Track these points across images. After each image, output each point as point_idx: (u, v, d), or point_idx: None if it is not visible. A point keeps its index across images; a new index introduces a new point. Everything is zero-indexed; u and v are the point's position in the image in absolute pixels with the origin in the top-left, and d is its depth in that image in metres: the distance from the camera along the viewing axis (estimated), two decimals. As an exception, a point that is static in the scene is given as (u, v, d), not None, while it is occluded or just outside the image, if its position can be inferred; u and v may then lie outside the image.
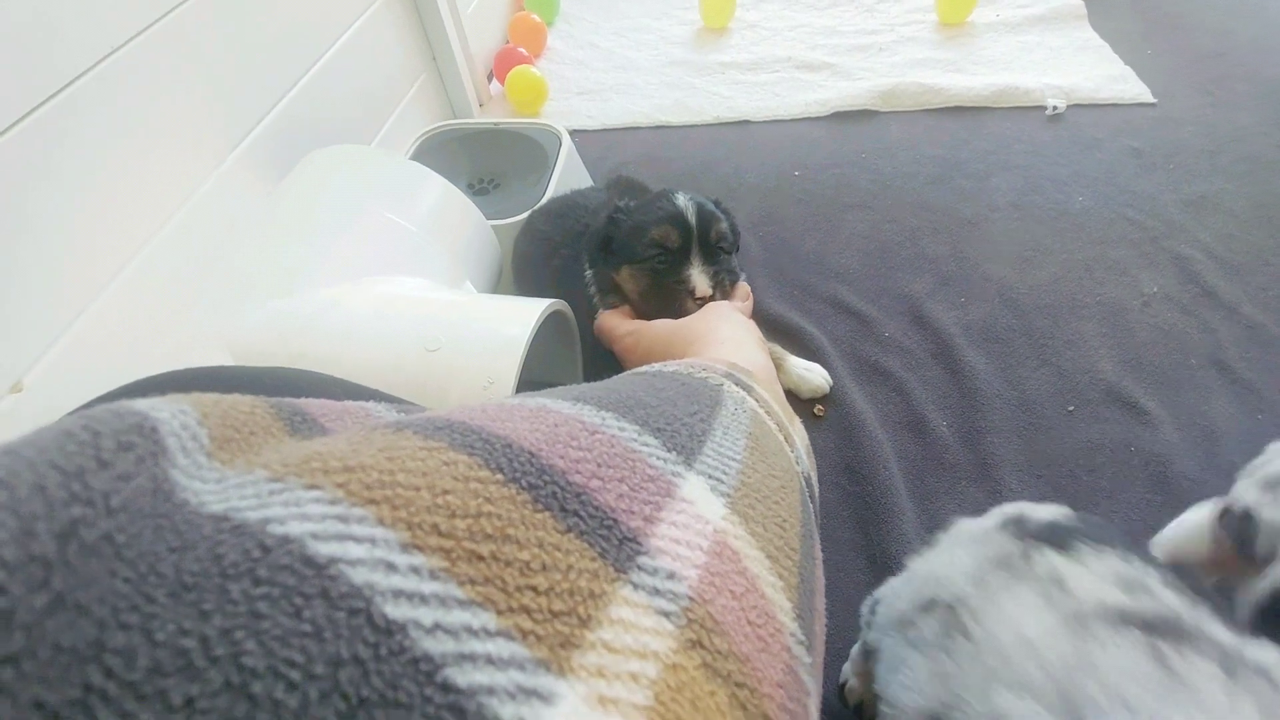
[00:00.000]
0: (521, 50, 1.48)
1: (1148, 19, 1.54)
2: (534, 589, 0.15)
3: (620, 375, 0.29)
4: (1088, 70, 1.38)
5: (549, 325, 0.77)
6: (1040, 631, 0.34)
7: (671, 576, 0.17)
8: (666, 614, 0.16)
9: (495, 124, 1.19)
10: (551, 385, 0.25)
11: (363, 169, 0.85)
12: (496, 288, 0.98)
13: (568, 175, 1.10)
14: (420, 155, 1.14)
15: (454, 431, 0.18)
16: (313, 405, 0.21)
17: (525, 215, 0.99)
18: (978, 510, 0.78)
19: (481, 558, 0.15)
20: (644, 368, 0.30)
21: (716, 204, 0.82)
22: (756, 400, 0.28)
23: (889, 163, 1.23)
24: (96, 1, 0.63)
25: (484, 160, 1.16)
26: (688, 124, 1.38)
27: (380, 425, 0.19)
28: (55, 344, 0.59)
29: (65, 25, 0.60)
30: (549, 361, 0.83)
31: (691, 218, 0.77)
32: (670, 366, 0.29)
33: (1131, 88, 1.34)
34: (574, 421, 0.20)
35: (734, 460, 0.23)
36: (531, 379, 0.76)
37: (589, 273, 0.83)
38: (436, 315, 0.63)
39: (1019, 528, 0.43)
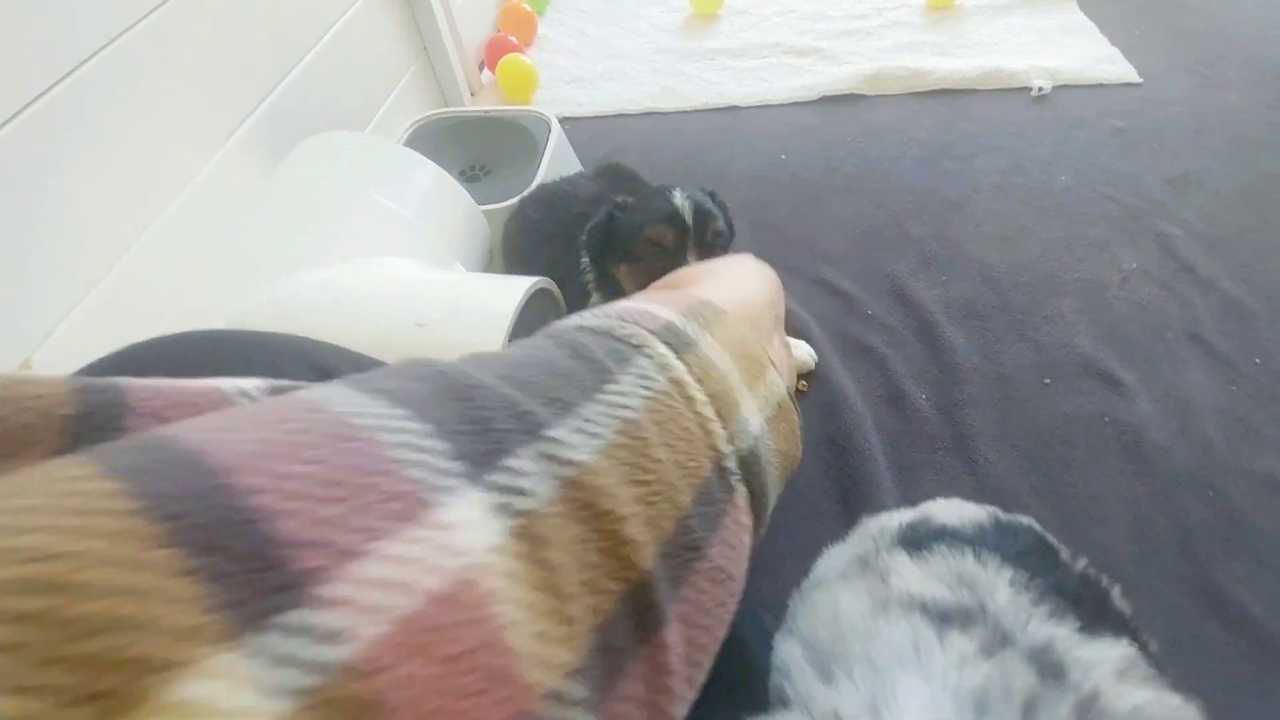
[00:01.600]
0: (512, 39, 1.50)
1: (1138, 1, 1.54)
2: (76, 659, 0.12)
3: (524, 340, 0.25)
4: (1074, 51, 1.39)
5: (540, 307, 0.79)
6: (850, 610, 0.39)
7: (331, 637, 0.13)
8: (286, 691, 0.13)
9: (486, 112, 1.21)
10: None
11: (356, 155, 0.87)
12: (487, 271, 1.00)
13: (557, 162, 1.12)
14: (413, 142, 1.16)
15: (138, 451, 0.15)
16: (149, 400, 0.19)
17: (515, 201, 1.01)
18: (954, 479, 0.81)
19: (27, 616, 0.12)
20: (565, 322, 0.25)
21: (712, 196, 0.85)
22: (687, 365, 0.24)
23: (875, 146, 1.25)
24: (92, -6, 0.65)
25: (475, 147, 1.18)
26: (678, 110, 1.39)
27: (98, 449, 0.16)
28: (63, 322, 0.62)
29: (73, 10, 0.63)
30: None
31: (688, 217, 0.79)
32: (594, 320, 0.25)
33: (1118, 68, 1.35)
34: (332, 424, 0.17)
35: (571, 464, 0.18)
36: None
37: (584, 262, 0.85)
38: (427, 293, 0.66)
39: (910, 532, 0.48)
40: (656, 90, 1.43)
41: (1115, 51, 1.39)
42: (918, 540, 0.46)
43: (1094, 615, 0.42)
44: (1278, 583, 0.69)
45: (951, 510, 0.51)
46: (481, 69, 1.52)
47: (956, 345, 0.92)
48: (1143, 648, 0.43)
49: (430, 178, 0.88)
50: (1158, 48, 1.39)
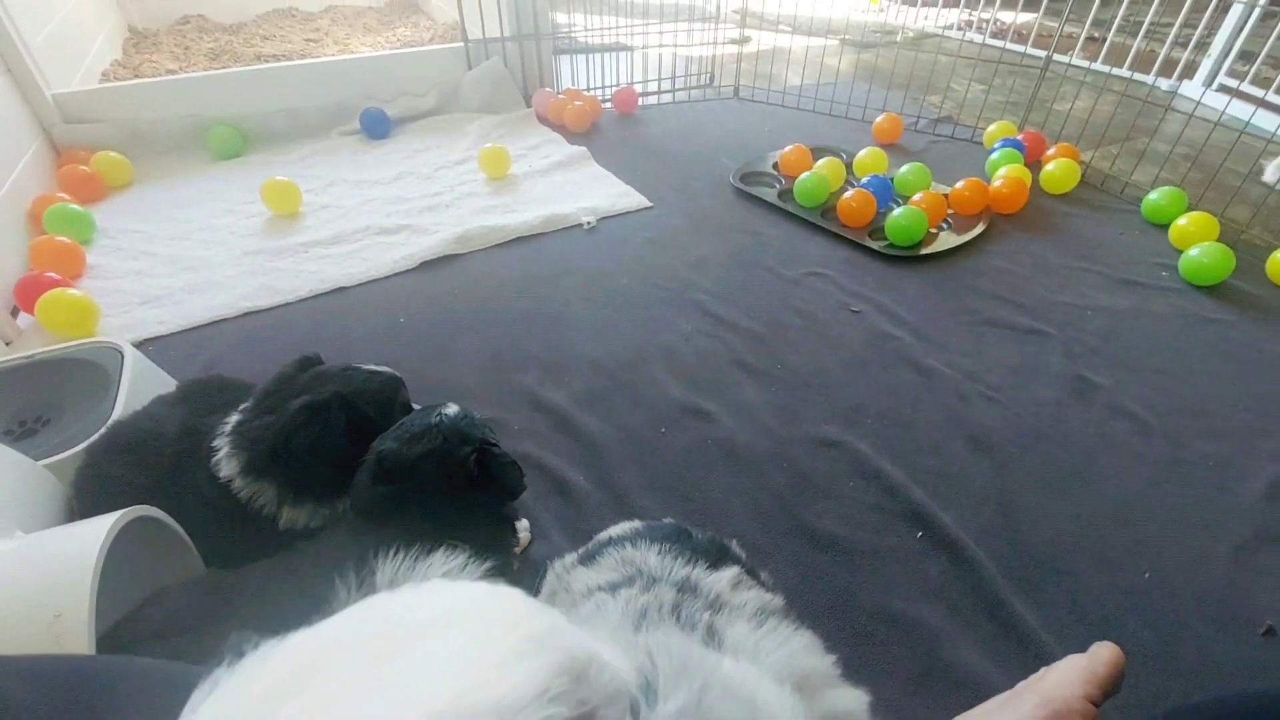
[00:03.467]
0: (52, 274, 1.32)
1: (631, 152, 2.10)
2: None
3: None
4: (603, 192, 1.83)
5: (152, 541, 0.70)
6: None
7: None
8: None
9: (28, 357, 1.04)
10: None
11: None
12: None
13: (141, 390, 1.00)
14: (-80, 418, 0.92)
15: None
16: None
17: (82, 448, 0.87)
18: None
19: None
20: None
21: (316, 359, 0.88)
22: None
23: (479, 290, 1.43)
24: None
25: (26, 397, 0.99)
26: (281, 304, 1.38)
27: None
28: None
29: None
30: (166, 576, 0.74)
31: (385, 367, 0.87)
32: None
33: (635, 199, 1.81)
34: None
35: None
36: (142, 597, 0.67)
37: (253, 491, 0.75)
38: (-37, 576, 0.53)
39: (585, 554, 0.61)
40: (253, 289, 1.41)
41: (629, 188, 1.86)
42: (591, 555, 0.60)
43: (717, 560, 0.58)
44: (839, 506, 0.97)
45: (616, 529, 0.66)
46: (16, 314, 1.30)
47: (593, 428, 1.09)
48: (752, 573, 0.61)
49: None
50: (654, 180, 1.91)
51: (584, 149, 2.04)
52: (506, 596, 0.25)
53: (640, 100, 2.39)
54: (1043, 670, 0.63)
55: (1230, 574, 0.89)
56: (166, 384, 1.08)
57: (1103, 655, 0.71)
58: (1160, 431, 1.09)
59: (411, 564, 0.54)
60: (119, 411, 0.95)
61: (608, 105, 2.35)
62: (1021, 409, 1.13)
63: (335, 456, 0.75)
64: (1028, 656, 0.78)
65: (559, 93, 2.29)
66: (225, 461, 0.75)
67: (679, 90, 2.49)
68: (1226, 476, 1.02)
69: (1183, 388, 1.19)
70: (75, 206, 1.55)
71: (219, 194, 1.78)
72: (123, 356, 1.03)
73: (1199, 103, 2.20)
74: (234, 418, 0.80)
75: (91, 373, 1.02)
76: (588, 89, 2.37)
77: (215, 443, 0.78)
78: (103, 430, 0.89)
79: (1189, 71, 2.47)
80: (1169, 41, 2.46)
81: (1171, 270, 1.50)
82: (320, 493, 0.77)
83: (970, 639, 0.80)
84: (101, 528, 0.58)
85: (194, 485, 0.77)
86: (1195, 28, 2.40)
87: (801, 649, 0.46)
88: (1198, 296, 1.43)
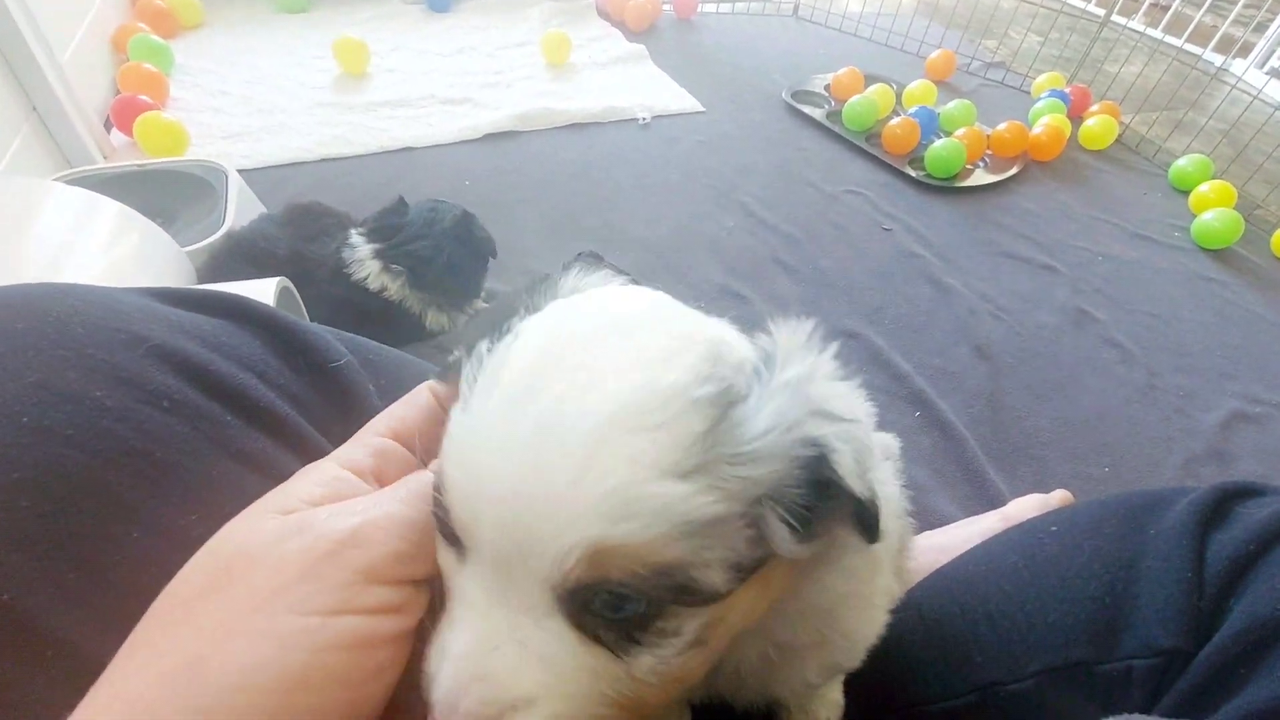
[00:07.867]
0: (144, 98, 1.40)
1: (687, 57, 2.13)
2: None
3: None
4: (658, 92, 1.88)
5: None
6: None
7: None
8: None
9: (141, 166, 1.14)
10: None
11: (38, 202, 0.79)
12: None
13: (244, 208, 1.12)
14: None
15: None
16: None
17: (201, 245, 0.99)
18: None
19: None
20: None
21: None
22: None
23: (539, 168, 1.52)
24: None
25: (140, 200, 1.09)
26: (354, 155, 1.47)
27: None
28: None
29: None
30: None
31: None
32: None
33: (689, 102, 1.86)
34: None
35: None
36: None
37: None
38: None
39: None
40: (327, 138, 1.49)
41: (684, 91, 1.90)
42: None
43: None
44: (853, 386, 1.11)
45: None
46: (110, 131, 1.38)
47: (639, 296, 1.21)
48: None
49: (122, 218, 0.84)
50: (707, 87, 1.95)
51: (642, 48, 2.07)
52: (660, 299, 0.29)
53: (699, 8, 2.39)
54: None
55: (1178, 478, 1.04)
56: (260, 209, 1.19)
57: (1057, 494, 0.86)
58: (1142, 362, 1.23)
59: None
60: (228, 225, 1.06)
61: (668, 8, 2.35)
62: (1023, 329, 1.26)
63: (471, 266, 0.97)
64: (994, 513, 0.94)
65: (621, -12, 2.28)
66: (378, 277, 0.90)
67: (738, 2, 2.48)
68: (1191, 405, 1.16)
69: (1170, 330, 1.31)
70: (156, 38, 1.60)
71: (287, 46, 1.83)
72: (227, 176, 1.14)
73: (1240, 78, 2.23)
74: (364, 244, 0.93)
75: (199, 186, 1.13)
76: (649, -12, 2.36)
77: (354, 262, 0.94)
78: (219, 236, 1.01)
79: (1244, 51, 2.47)
80: (1230, 19, 2.45)
81: (1184, 232, 1.60)
82: (456, 299, 0.97)
83: (949, 495, 0.96)
84: (266, 286, 0.70)
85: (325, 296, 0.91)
86: (1259, 9, 2.39)
87: None
88: (1202, 257, 1.54)
